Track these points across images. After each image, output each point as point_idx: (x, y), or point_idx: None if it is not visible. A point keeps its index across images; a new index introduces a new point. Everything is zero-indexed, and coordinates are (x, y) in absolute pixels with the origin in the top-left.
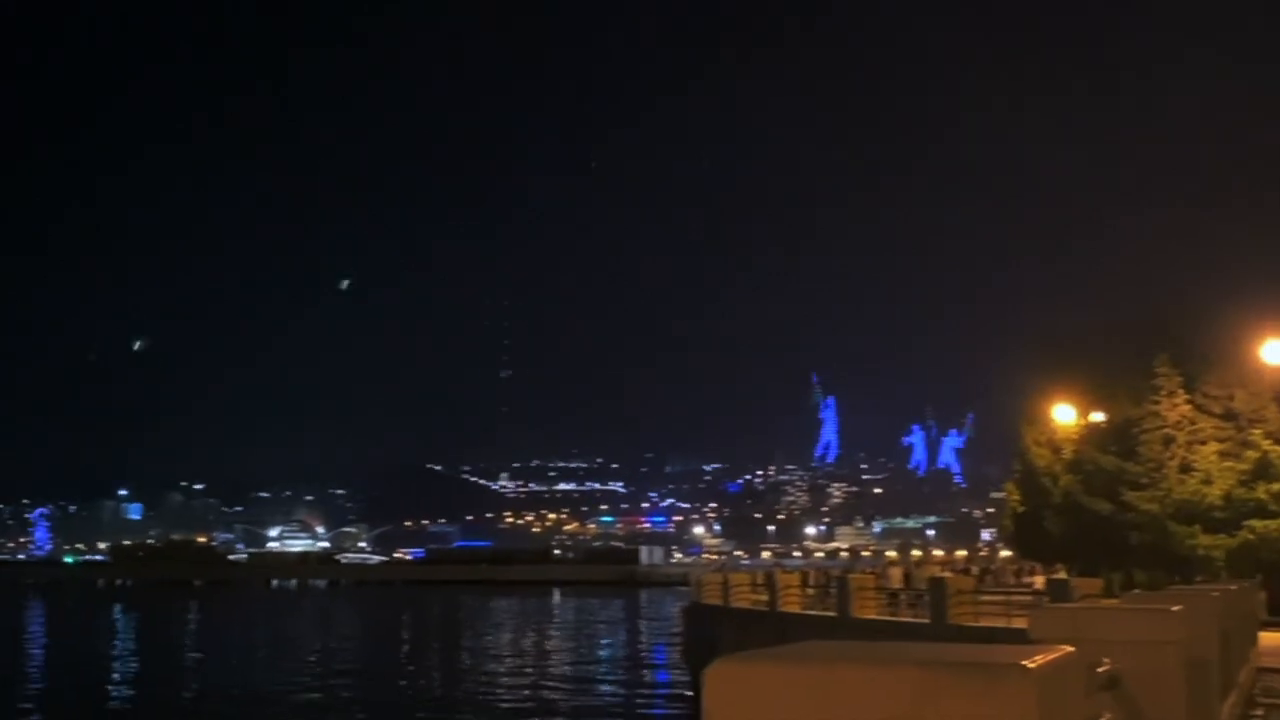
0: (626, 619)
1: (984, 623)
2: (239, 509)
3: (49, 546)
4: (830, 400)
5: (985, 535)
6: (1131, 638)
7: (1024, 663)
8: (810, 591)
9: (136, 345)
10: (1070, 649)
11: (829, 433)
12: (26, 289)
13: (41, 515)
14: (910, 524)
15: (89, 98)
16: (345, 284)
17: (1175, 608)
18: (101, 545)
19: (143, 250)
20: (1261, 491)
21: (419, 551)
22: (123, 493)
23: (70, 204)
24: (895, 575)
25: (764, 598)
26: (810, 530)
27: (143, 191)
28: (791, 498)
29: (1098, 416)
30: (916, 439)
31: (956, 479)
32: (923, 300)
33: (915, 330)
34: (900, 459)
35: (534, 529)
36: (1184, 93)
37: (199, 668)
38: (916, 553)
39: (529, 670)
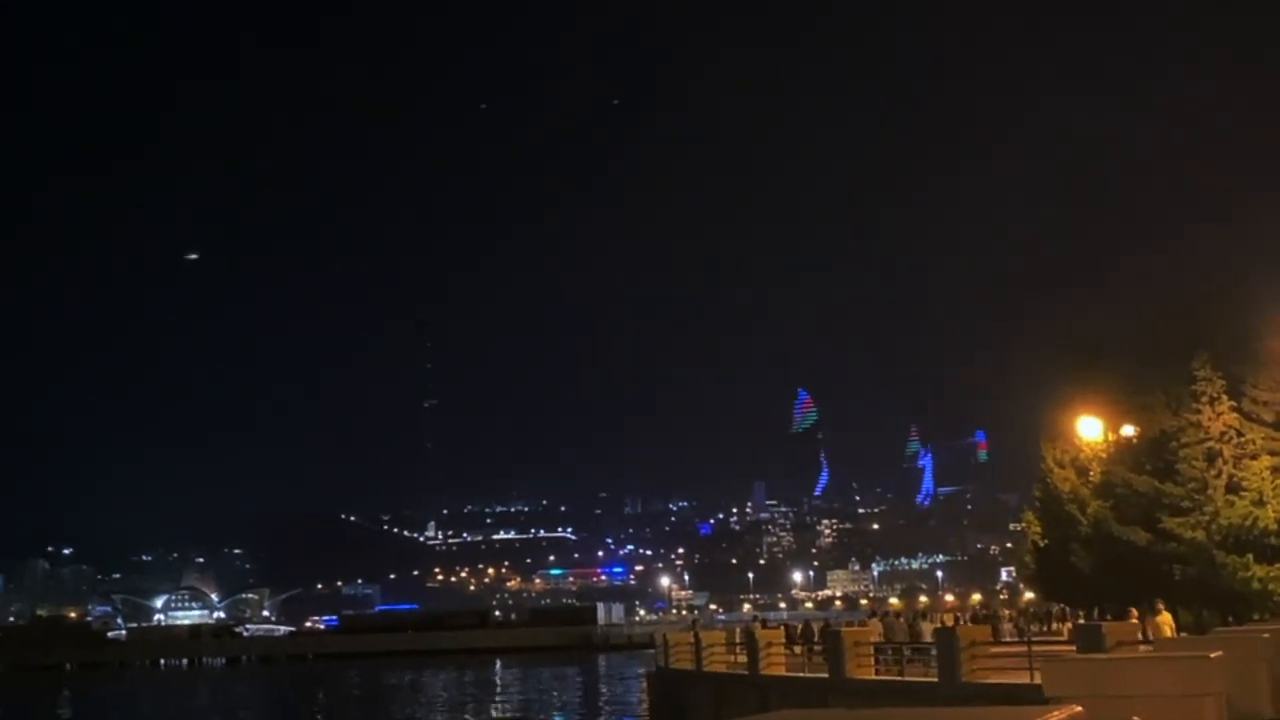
0: (583, 690)
1: (1004, 679)
2: (116, 577)
3: None
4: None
5: (1004, 575)
6: (1162, 691)
7: None
8: (797, 650)
9: None
10: (1078, 709)
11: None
12: None
13: None
14: (915, 565)
15: None
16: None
17: (1214, 654)
18: None
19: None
20: None
21: (332, 619)
22: None
23: None
24: (873, 629)
25: (743, 659)
26: (797, 576)
27: None
28: (774, 538)
29: (1128, 430)
30: (925, 463)
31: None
32: (917, 309)
33: (909, 341)
34: (900, 487)
35: (469, 587)
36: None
37: None
38: (923, 599)
39: None
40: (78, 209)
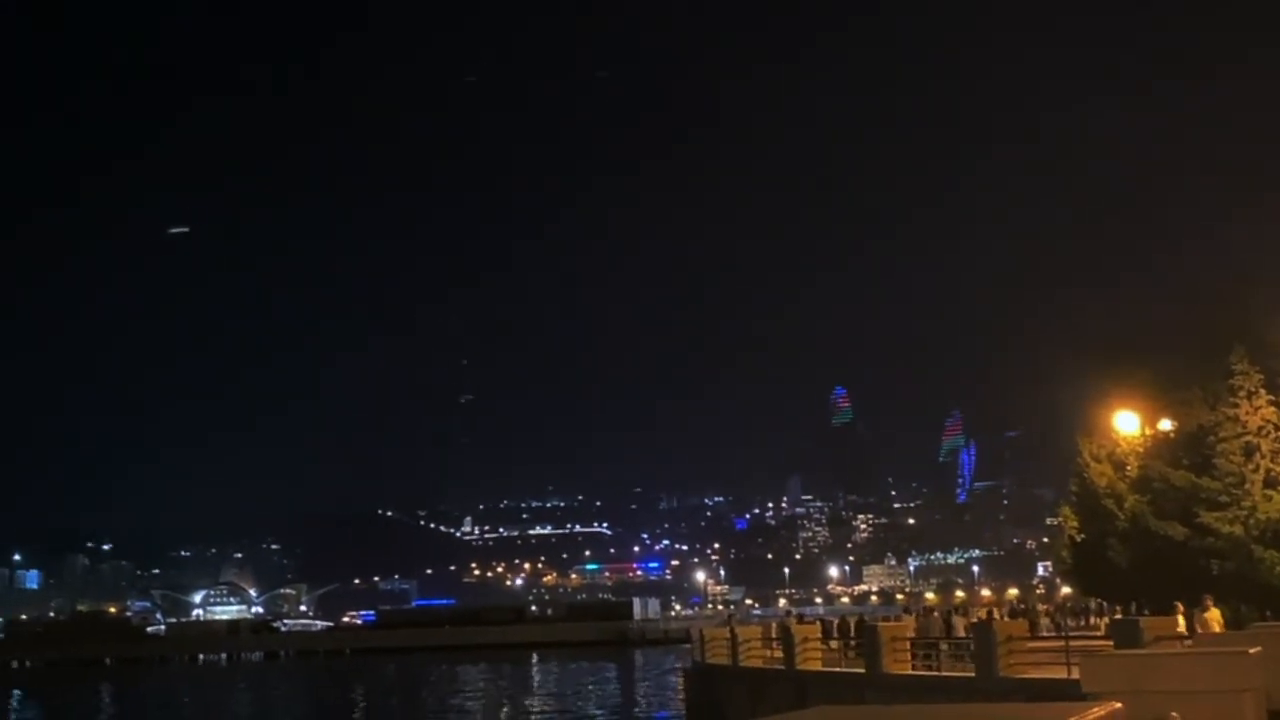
0: (619, 685)
1: (1041, 674)
2: (155, 572)
3: None
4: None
5: (1040, 569)
6: (1201, 687)
7: None
8: (834, 645)
9: None
10: (1116, 705)
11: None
12: None
13: None
14: (952, 560)
15: None
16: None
17: (1253, 650)
18: None
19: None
20: None
21: (369, 614)
22: (16, 558)
23: None
24: (908, 625)
25: (779, 654)
26: (833, 571)
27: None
28: (809, 533)
29: (1166, 425)
30: (966, 458)
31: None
32: (951, 302)
33: (944, 338)
34: (935, 483)
35: (506, 582)
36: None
37: None
38: (960, 594)
39: None
40: (110, 205)
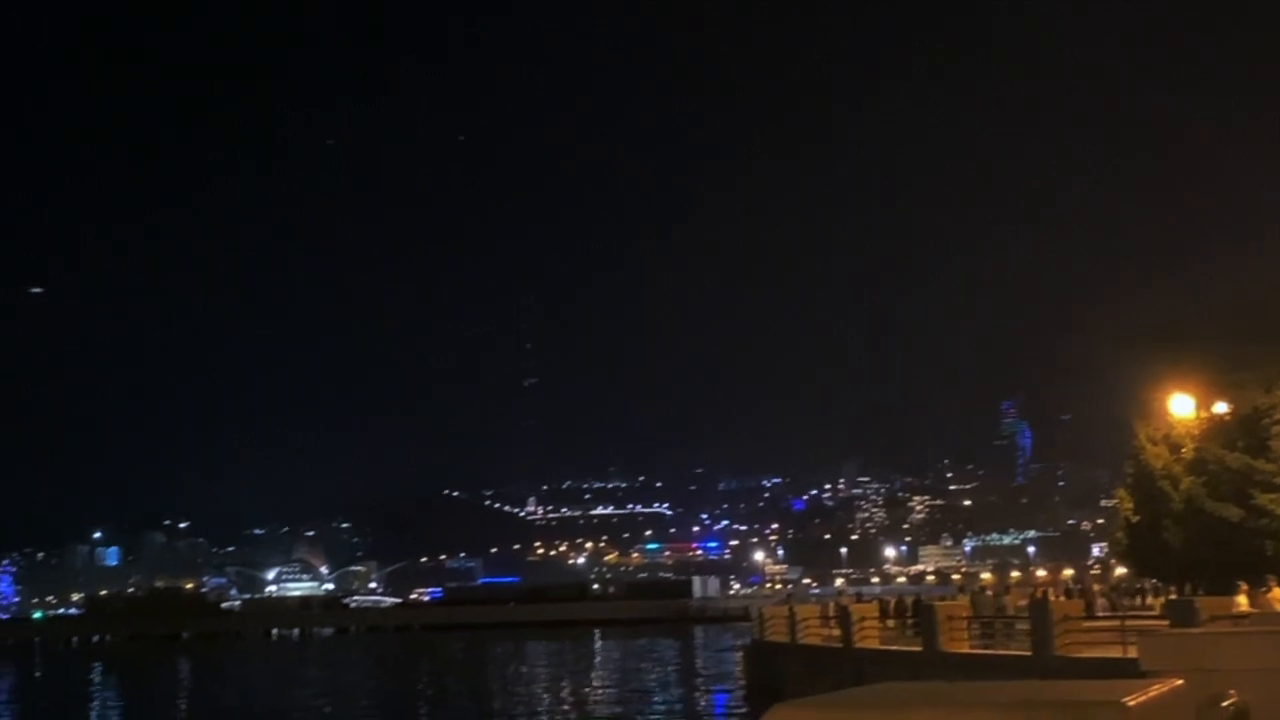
0: (680, 662)
1: (1097, 653)
2: (230, 549)
3: (14, 601)
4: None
5: (1095, 550)
6: (1261, 665)
7: (1123, 700)
8: (890, 624)
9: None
10: (1178, 682)
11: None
12: None
13: (4, 566)
14: (1007, 540)
15: None
16: None
17: None
18: (74, 597)
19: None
20: None
21: (437, 591)
22: (97, 535)
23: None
24: (962, 604)
25: (837, 632)
26: (890, 551)
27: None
28: (866, 514)
29: (1221, 407)
30: (1025, 440)
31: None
32: (1007, 282)
33: (1001, 318)
34: (991, 464)
35: (569, 560)
36: None
37: None
38: (1015, 574)
39: None
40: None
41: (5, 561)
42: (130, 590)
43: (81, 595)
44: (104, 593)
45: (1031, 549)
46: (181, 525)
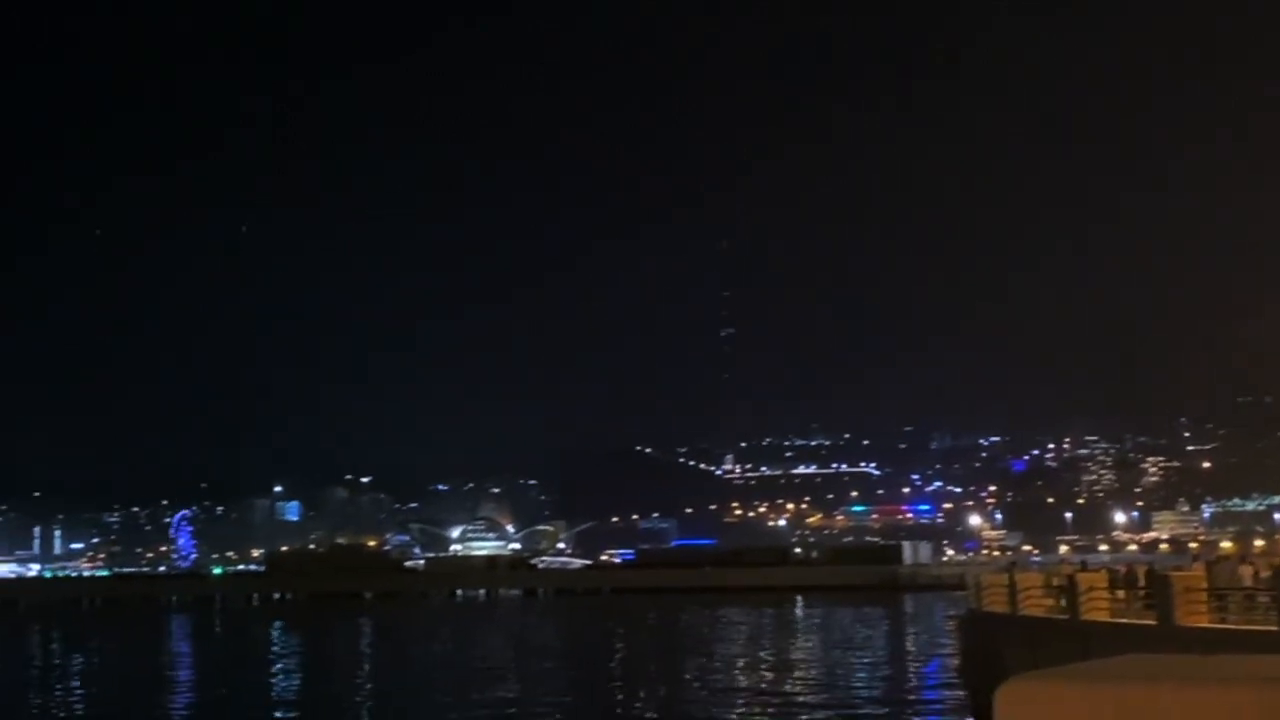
0: (888, 632)
1: None
2: (413, 506)
3: (194, 556)
4: None
5: None
6: None
7: None
8: (1121, 595)
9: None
10: None
11: None
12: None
13: (184, 520)
14: (1250, 506)
15: None
16: None
17: None
18: (255, 553)
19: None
20: None
21: (628, 553)
22: (278, 490)
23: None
24: (1196, 575)
25: (1061, 603)
26: (1119, 518)
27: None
28: (1094, 477)
29: None
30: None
31: None
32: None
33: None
34: (1234, 424)
35: (769, 522)
36: None
37: (380, 701)
38: (1259, 542)
39: (769, 695)
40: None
41: (184, 516)
42: (311, 546)
43: (262, 551)
44: (284, 549)
45: (1278, 516)
46: (364, 480)
